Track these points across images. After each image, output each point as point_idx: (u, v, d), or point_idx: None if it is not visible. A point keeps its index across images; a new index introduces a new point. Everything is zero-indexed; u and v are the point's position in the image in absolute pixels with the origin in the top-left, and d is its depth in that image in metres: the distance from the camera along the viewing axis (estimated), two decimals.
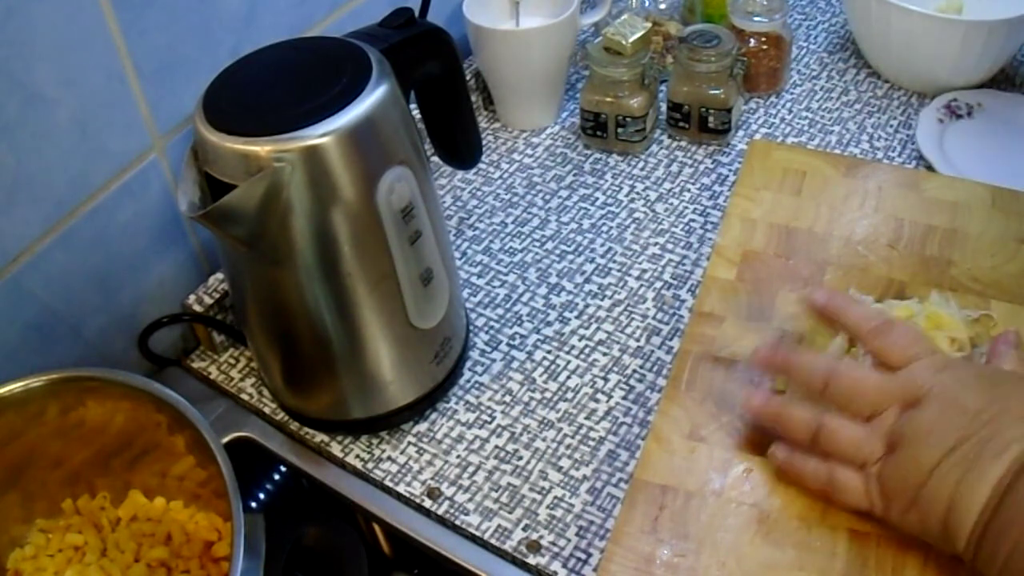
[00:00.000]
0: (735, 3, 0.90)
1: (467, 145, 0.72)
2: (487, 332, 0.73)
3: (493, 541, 0.60)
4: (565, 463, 0.64)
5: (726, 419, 0.62)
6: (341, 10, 0.80)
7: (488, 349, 0.72)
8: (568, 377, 0.69)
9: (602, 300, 0.74)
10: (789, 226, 0.76)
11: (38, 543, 0.61)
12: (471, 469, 0.64)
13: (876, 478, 0.54)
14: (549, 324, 0.73)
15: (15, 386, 0.58)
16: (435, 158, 0.73)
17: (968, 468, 0.49)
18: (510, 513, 0.61)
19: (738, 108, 0.87)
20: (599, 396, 0.68)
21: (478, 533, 0.61)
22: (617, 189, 0.84)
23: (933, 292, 0.69)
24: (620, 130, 0.85)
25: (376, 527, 0.66)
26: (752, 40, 0.90)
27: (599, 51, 0.83)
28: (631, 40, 0.82)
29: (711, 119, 0.85)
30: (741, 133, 0.89)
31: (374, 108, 0.54)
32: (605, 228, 0.80)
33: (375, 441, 0.66)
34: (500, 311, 0.74)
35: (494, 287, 0.76)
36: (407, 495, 0.63)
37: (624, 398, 0.67)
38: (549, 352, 0.71)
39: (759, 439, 0.61)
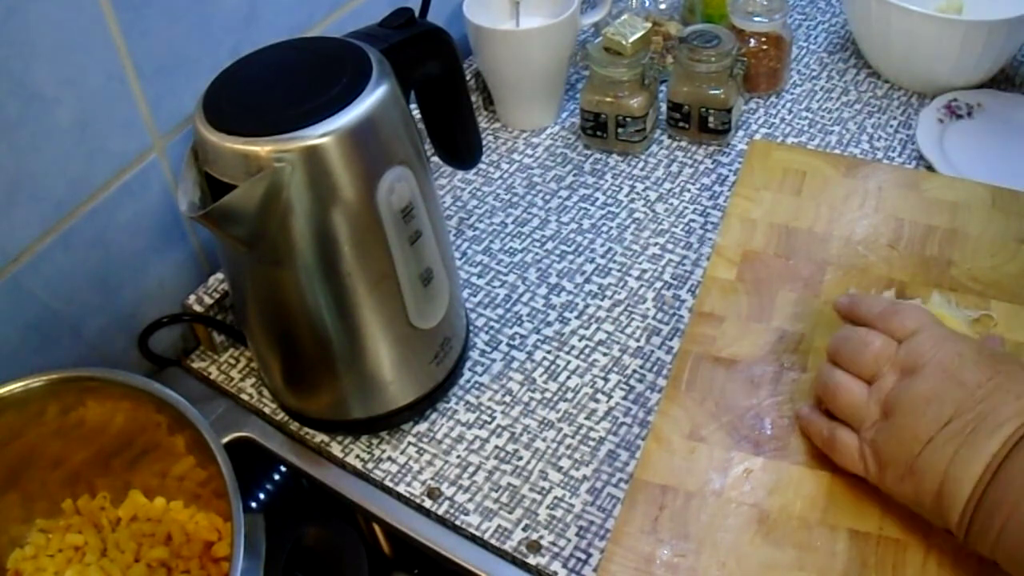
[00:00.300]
0: (735, 3, 0.90)
1: (467, 145, 0.72)
2: (487, 332, 0.73)
3: (493, 541, 0.60)
4: (565, 463, 0.64)
5: (726, 419, 0.62)
6: (341, 10, 0.80)
7: (488, 349, 0.72)
8: (568, 377, 0.69)
9: (602, 300, 0.74)
10: (789, 226, 0.76)
11: (38, 543, 0.61)
12: (471, 469, 0.64)
13: (870, 443, 0.55)
14: (549, 324, 0.73)
15: (15, 386, 0.58)
16: (435, 158, 0.73)
17: (963, 442, 0.50)
18: (510, 513, 0.61)
19: (738, 108, 0.87)
20: (599, 396, 0.68)
21: (478, 533, 0.61)
22: (617, 189, 0.84)
23: (934, 293, 0.69)
24: (620, 130, 0.85)
25: (376, 527, 0.66)
26: (752, 40, 0.90)
27: (599, 51, 0.83)
28: (631, 40, 0.82)
29: (711, 119, 0.85)
30: (741, 133, 0.89)
31: (374, 108, 0.54)
32: (605, 228, 0.80)
33: (375, 441, 0.66)
34: (500, 311, 0.74)
35: (494, 287, 0.76)
36: (407, 495, 0.63)
37: (624, 398, 0.67)
38: (549, 352, 0.71)
39: (759, 439, 0.61)
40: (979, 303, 0.68)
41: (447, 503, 0.62)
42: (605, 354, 0.70)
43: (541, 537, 0.60)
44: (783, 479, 0.59)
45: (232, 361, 0.73)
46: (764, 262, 0.73)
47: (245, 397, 0.70)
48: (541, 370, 0.70)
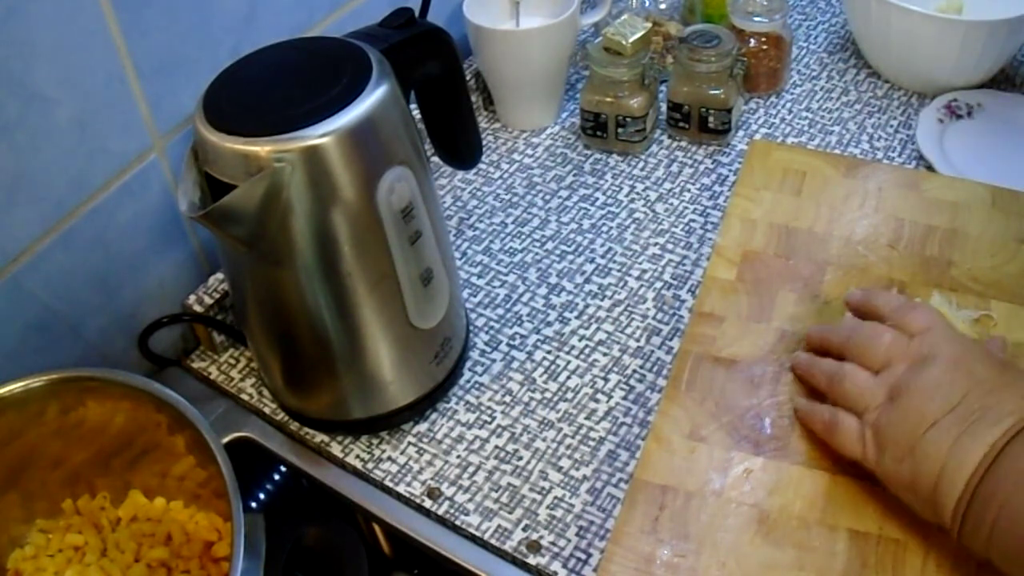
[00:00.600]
0: (735, 3, 0.90)
1: (467, 145, 0.72)
2: (487, 332, 0.73)
3: (493, 541, 0.60)
4: (565, 463, 0.64)
5: (726, 419, 0.62)
6: (341, 10, 0.80)
7: (488, 349, 0.72)
8: (568, 377, 0.69)
9: (602, 300, 0.74)
10: (789, 226, 0.76)
11: (38, 543, 0.61)
12: (471, 469, 0.64)
13: (872, 425, 0.55)
14: (549, 324, 0.73)
15: (15, 386, 0.58)
16: (435, 158, 0.73)
17: (965, 429, 0.51)
18: (510, 513, 0.61)
19: (738, 108, 0.87)
20: (599, 396, 0.68)
21: (478, 533, 0.61)
22: (617, 189, 0.84)
23: (935, 293, 0.69)
24: (620, 130, 0.85)
25: (376, 527, 0.66)
26: (752, 40, 0.90)
27: (599, 51, 0.83)
28: (631, 40, 0.82)
29: (711, 119, 0.85)
30: (741, 133, 0.89)
31: (374, 108, 0.54)
32: (605, 228, 0.80)
33: (375, 441, 0.66)
34: (500, 311, 0.74)
35: (494, 287, 0.76)
36: (407, 495, 0.63)
37: (624, 398, 0.67)
38: (549, 352, 0.71)
39: (759, 439, 0.61)
40: (979, 303, 0.68)
41: (447, 503, 0.62)
42: (605, 354, 0.70)
43: (541, 537, 0.60)
44: (783, 479, 0.59)
45: (232, 361, 0.73)
46: (764, 262, 0.73)
47: (245, 397, 0.70)
48: (541, 370, 0.70)
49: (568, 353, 0.71)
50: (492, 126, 0.92)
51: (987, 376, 0.53)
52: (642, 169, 0.86)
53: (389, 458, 0.65)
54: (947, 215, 0.75)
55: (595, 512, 0.61)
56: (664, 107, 0.88)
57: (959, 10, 0.93)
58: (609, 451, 0.64)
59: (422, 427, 0.67)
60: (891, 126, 0.89)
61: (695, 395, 0.64)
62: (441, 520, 0.62)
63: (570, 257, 0.78)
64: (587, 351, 0.71)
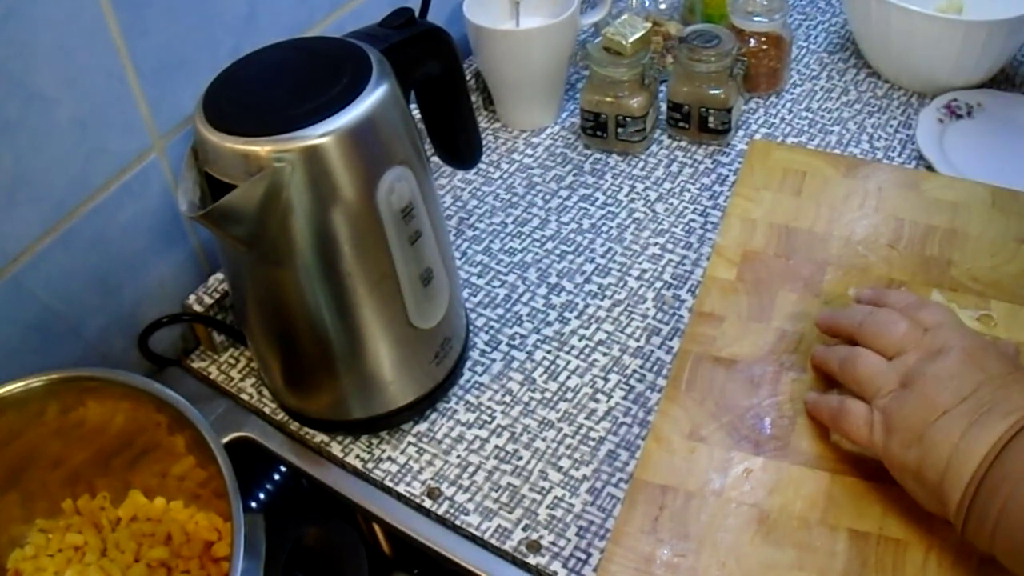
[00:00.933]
0: (735, 3, 0.90)
1: (467, 145, 0.72)
2: (487, 332, 0.73)
3: (493, 541, 0.60)
4: (565, 463, 0.64)
5: (726, 419, 0.62)
6: (341, 10, 0.80)
7: (488, 349, 0.72)
8: (568, 377, 0.69)
9: (602, 300, 0.74)
10: (789, 226, 0.76)
11: (38, 543, 0.61)
12: (471, 469, 0.64)
13: (882, 409, 0.56)
14: (549, 324, 0.73)
15: (15, 386, 0.58)
16: (435, 158, 0.73)
17: (975, 420, 0.51)
18: (510, 513, 0.61)
19: (738, 108, 0.87)
20: (599, 396, 0.68)
21: (478, 533, 0.61)
22: (617, 189, 0.84)
23: (934, 293, 0.69)
24: (620, 130, 0.85)
25: (376, 527, 0.66)
26: (752, 40, 0.90)
27: (599, 51, 0.83)
28: (631, 40, 0.82)
29: (711, 119, 0.85)
30: (741, 133, 0.89)
31: (374, 108, 0.54)
32: (605, 228, 0.80)
33: (375, 441, 0.66)
34: (500, 311, 0.74)
35: (494, 287, 0.76)
36: (407, 495, 0.63)
37: (624, 398, 0.67)
38: (549, 352, 0.71)
39: (759, 439, 0.61)
40: (979, 303, 0.68)
41: (447, 503, 0.62)
42: (605, 354, 0.70)
43: (541, 537, 0.60)
44: (783, 479, 0.59)
45: (232, 361, 0.73)
46: (764, 262, 0.73)
47: (245, 397, 0.70)
48: (541, 370, 0.70)
49: (568, 353, 0.71)
50: (492, 126, 0.92)
51: (999, 372, 0.53)
52: (642, 169, 0.86)
53: (389, 458, 0.65)
54: (947, 215, 0.75)
55: (595, 512, 0.61)
56: (664, 107, 0.88)
57: (959, 10, 0.93)
58: (609, 451, 0.64)
59: (422, 427, 0.67)
60: (891, 126, 0.89)
61: (695, 395, 0.64)
62: (441, 520, 0.62)
63: (570, 257, 0.78)
64: (587, 351, 0.71)
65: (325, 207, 0.54)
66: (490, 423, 0.67)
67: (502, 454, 0.65)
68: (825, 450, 0.60)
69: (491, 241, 0.80)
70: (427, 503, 0.62)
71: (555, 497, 0.62)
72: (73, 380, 0.59)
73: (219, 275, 0.73)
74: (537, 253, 0.79)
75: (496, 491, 0.63)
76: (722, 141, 0.87)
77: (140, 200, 0.67)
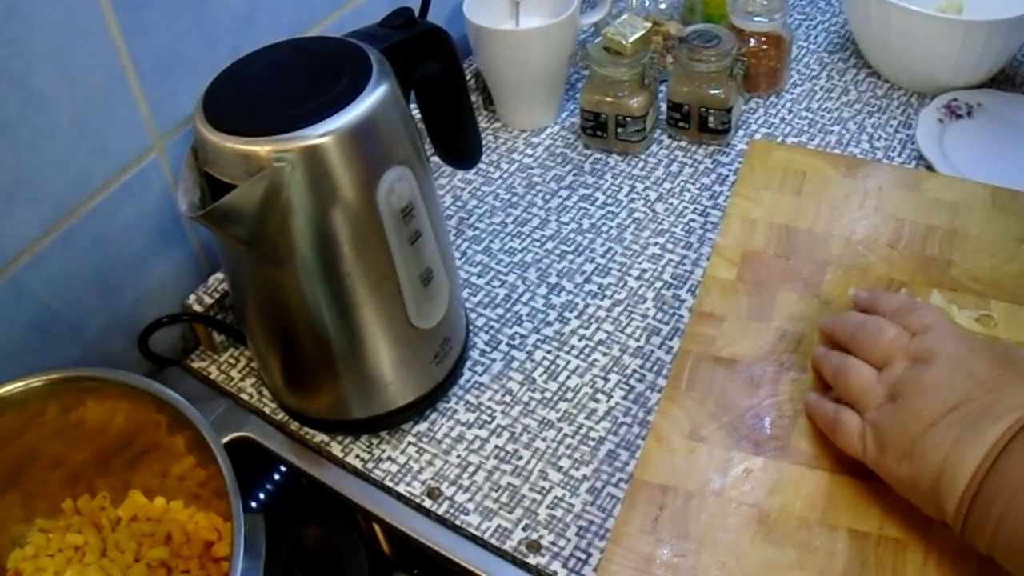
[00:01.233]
0: (735, 3, 0.90)
1: (467, 145, 0.72)
2: (487, 332, 0.73)
3: (493, 541, 0.60)
4: (565, 463, 0.64)
5: (726, 419, 0.62)
6: (341, 10, 0.80)
7: (488, 349, 0.72)
8: (568, 377, 0.69)
9: (602, 300, 0.74)
10: (789, 226, 0.76)
11: (38, 543, 0.61)
12: (471, 469, 0.64)
13: (872, 423, 0.55)
14: (549, 324, 0.73)
15: (15, 386, 0.58)
16: (435, 158, 0.73)
17: (966, 428, 0.50)
18: (510, 513, 0.61)
19: (738, 108, 0.87)
20: (599, 396, 0.68)
21: (478, 533, 0.61)
22: (617, 189, 0.84)
23: (934, 292, 0.69)
24: (620, 130, 0.85)
25: (376, 527, 0.66)
26: (752, 40, 0.90)
27: (599, 51, 0.83)
28: (631, 40, 0.82)
29: (711, 119, 0.85)
30: (741, 133, 0.89)
31: (374, 108, 0.54)
32: (605, 228, 0.80)
33: (375, 441, 0.66)
34: (500, 311, 0.74)
35: (494, 287, 0.76)
36: (407, 495, 0.63)
37: (624, 398, 0.67)
38: (549, 352, 0.71)
39: (759, 439, 0.61)
40: (979, 303, 0.68)
41: (447, 503, 0.62)
42: (605, 354, 0.70)
43: (541, 537, 0.60)
44: (783, 479, 0.59)
45: (232, 361, 0.73)
46: (764, 262, 0.73)
47: (245, 397, 0.70)
48: (541, 370, 0.70)
49: (568, 353, 0.71)
50: (492, 126, 0.92)
51: (988, 375, 0.52)
52: (642, 169, 0.86)
53: (389, 458, 0.65)
54: (947, 215, 0.75)
55: (595, 512, 0.61)
56: (664, 107, 0.88)
57: (959, 10, 0.93)
58: (609, 451, 0.64)
59: (422, 427, 0.67)
60: (891, 126, 0.89)
61: (695, 395, 0.64)
62: (441, 520, 0.62)
63: (570, 257, 0.78)
64: (587, 351, 0.71)
65: (325, 207, 0.54)
66: (490, 423, 0.67)
67: (502, 454, 0.65)
68: (825, 450, 0.60)
69: (491, 241, 0.80)
70: (427, 503, 0.62)
71: (555, 497, 0.62)
72: (73, 380, 0.59)
73: (219, 275, 0.73)
74: (537, 253, 0.79)
75: (496, 491, 0.63)
76: (722, 141, 0.87)
77: (140, 200, 0.67)
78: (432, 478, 0.64)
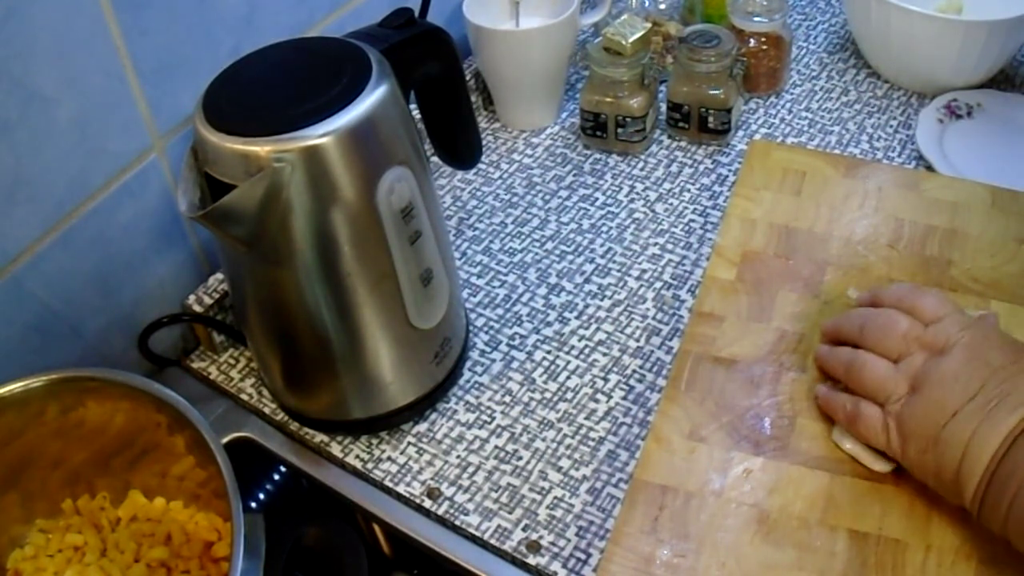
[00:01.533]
0: (735, 3, 0.90)
1: (467, 145, 0.72)
2: (487, 332, 0.73)
3: (493, 541, 0.60)
4: (565, 463, 0.64)
5: (726, 419, 0.62)
6: (341, 10, 0.80)
7: (488, 349, 0.72)
8: (568, 377, 0.69)
9: (602, 300, 0.74)
10: (789, 226, 0.76)
11: (38, 543, 0.61)
12: (471, 469, 0.64)
13: (895, 417, 0.56)
14: (549, 324, 0.73)
15: (15, 386, 0.58)
16: (435, 158, 0.73)
17: (985, 417, 0.52)
18: (510, 513, 0.61)
19: (738, 108, 0.87)
20: (599, 396, 0.68)
21: (478, 533, 0.61)
22: (617, 189, 0.84)
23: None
24: (620, 130, 0.85)
25: (376, 527, 0.66)
26: (752, 40, 0.90)
27: (599, 51, 0.83)
28: (631, 40, 0.82)
29: (711, 119, 0.85)
30: (741, 133, 0.89)
31: (374, 108, 0.54)
32: (605, 228, 0.80)
33: (375, 441, 0.66)
34: (500, 311, 0.74)
35: (494, 287, 0.76)
36: (407, 495, 0.63)
37: (624, 398, 0.67)
38: (549, 352, 0.71)
39: (759, 439, 0.61)
40: (979, 303, 0.68)
41: (447, 503, 0.62)
42: (605, 354, 0.70)
43: (541, 537, 0.60)
44: (783, 479, 0.59)
45: (232, 361, 0.73)
46: (764, 262, 0.73)
47: (245, 397, 0.70)
48: (541, 370, 0.70)
49: (568, 353, 0.71)
50: (492, 126, 0.92)
51: (1003, 363, 0.54)
52: (642, 169, 0.86)
53: (389, 458, 0.65)
54: (947, 215, 0.75)
55: (595, 512, 0.61)
56: (664, 107, 0.88)
57: (959, 10, 0.93)
58: (609, 451, 0.64)
59: (422, 427, 0.67)
60: (891, 126, 0.89)
61: (695, 395, 0.64)
62: (441, 520, 0.62)
63: (570, 257, 0.78)
64: (587, 351, 0.71)
65: (325, 207, 0.54)
66: (490, 423, 0.67)
67: (502, 454, 0.65)
68: (825, 450, 0.60)
69: (491, 241, 0.80)
70: (427, 503, 0.62)
71: (555, 497, 0.62)
72: (73, 380, 0.59)
73: (219, 275, 0.73)
74: (537, 253, 0.79)
75: (496, 491, 0.63)
76: (722, 141, 0.87)
77: (140, 200, 0.67)
78: (432, 478, 0.64)
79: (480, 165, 0.87)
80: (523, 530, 0.60)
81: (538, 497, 0.62)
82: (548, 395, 0.68)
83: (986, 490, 0.51)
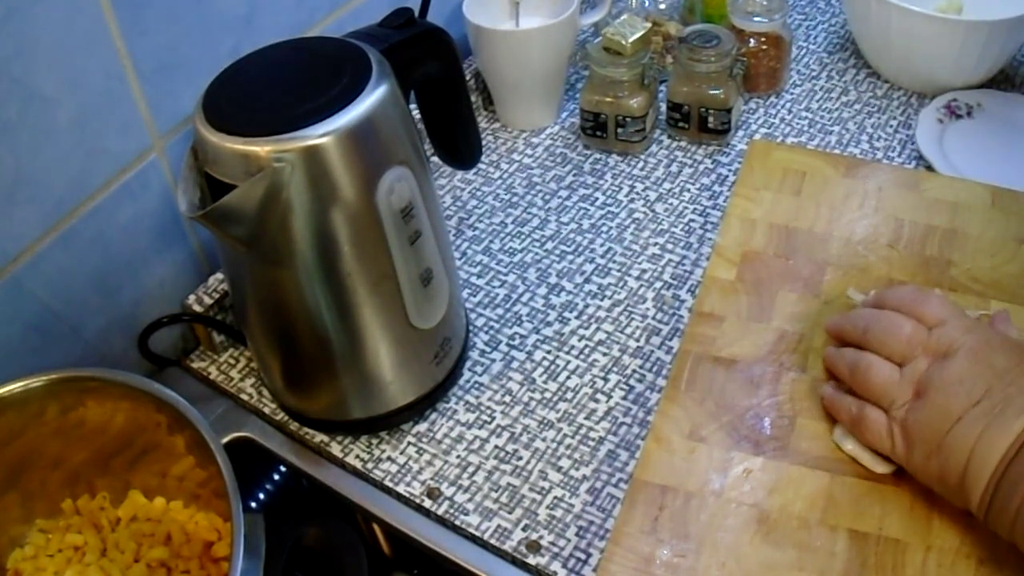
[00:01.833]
0: (735, 3, 0.90)
1: (467, 145, 0.72)
2: (487, 332, 0.73)
3: (493, 541, 0.60)
4: (565, 463, 0.64)
5: (726, 419, 0.62)
6: (341, 10, 0.80)
7: (488, 349, 0.72)
8: (568, 377, 0.69)
9: (602, 300, 0.74)
10: (789, 226, 0.76)
11: (38, 543, 0.61)
12: (471, 469, 0.64)
13: (900, 422, 0.56)
14: (549, 324, 0.73)
15: (15, 386, 0.58)
16: (435, 158, 0.73)
17: (991, 422, 0.52)
18: (510, 513, 0.61)
19: (738, 108, 0.87)
20: (599, 396, 0.68)
21: (478, 533, 0.61)
22: (617, 189, 0.84)
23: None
24: (620, 130, 0.85)
25: (376, 527, 0.66)
26: (752, 40, 0.90)
27: (599, 51, 0.83)
28: (631, 40, 0.82)
29: (711, 119, 0.85)
30: (741, 133, 0.89)
31: (374, 108, 0.54)
32: (605, 228, 0.80)
33: (375, 441, 0.66)
34: (500, 311, 0.74)
35: (494, 287, 0.76)
36: (407, 495, 0.63)
37: (624, 398, 0.67)
38: (549, 352, 0.71)
39: (759, 439, 0.61)
40: (979, 303, 0.68)
41: (447, 503, 0.62)
42: (605, 354, 0.70)
43: (541, 537, 0.60)
44: (783, 479, 0.59)
45: (232, 361, 0.73)
46: (764, 262, 0.73)
47: (245, 397, 0.70)
48: (541, 370, 0.70)
49: (568, 353, 0.71)
50: (492, 126, 0.92)
51: (1007, 366, 0.53)
52: (642, 169, 0.86)
53: (389, 458, 0.65)
54: (947, 215, 0.75)
55: (595, 512, 0.61)
56: (664, 107, 0.88)
57: (959, 10, 0.93)
58: (609, 451, 0.64)
59: (422, 427, 0.67)
60: (891, 126, 0.89)
61: (695, 395, 0.64)
62: (441, 520, 0.62)
63: (570, 257, 0.78)
64: (587, 351, 0.71)
65: (325, 207, 0.54)
66: (490, 423, 0.67)
67: (502, 454, 0.65)
68: (825, 450, 0.60)
69: (491, 241, 0.80)
70: (427, 503, 0.62)
71: (555, 497, 0.62)
72: (73, 380, 0.59)
73: (219, 275, 0.73)
74: (537, 253, 0.79)
75: (496, 491, 0.63)
76: (722, 141, 0.87)
77: (140, 200, 0.67)
78: (432, 478, 0.64)
79: (480, 165, 0.87)
80: (523, 530, 0.60)
81: (538, 497, 0.62)
82: (548, 395, 0.68)
83: (993, 494, 0.51)
